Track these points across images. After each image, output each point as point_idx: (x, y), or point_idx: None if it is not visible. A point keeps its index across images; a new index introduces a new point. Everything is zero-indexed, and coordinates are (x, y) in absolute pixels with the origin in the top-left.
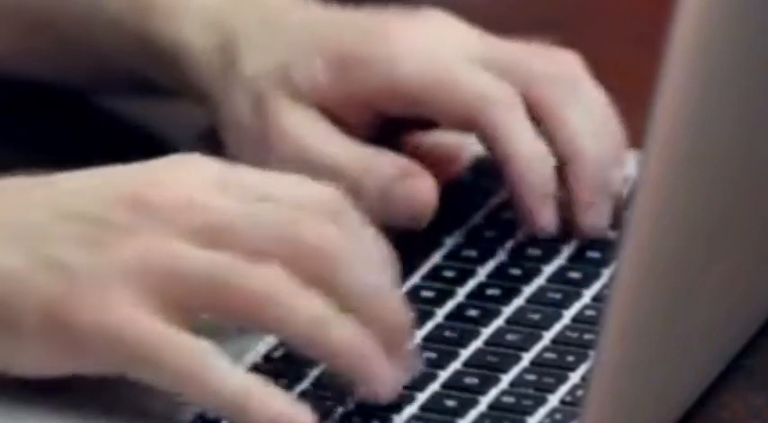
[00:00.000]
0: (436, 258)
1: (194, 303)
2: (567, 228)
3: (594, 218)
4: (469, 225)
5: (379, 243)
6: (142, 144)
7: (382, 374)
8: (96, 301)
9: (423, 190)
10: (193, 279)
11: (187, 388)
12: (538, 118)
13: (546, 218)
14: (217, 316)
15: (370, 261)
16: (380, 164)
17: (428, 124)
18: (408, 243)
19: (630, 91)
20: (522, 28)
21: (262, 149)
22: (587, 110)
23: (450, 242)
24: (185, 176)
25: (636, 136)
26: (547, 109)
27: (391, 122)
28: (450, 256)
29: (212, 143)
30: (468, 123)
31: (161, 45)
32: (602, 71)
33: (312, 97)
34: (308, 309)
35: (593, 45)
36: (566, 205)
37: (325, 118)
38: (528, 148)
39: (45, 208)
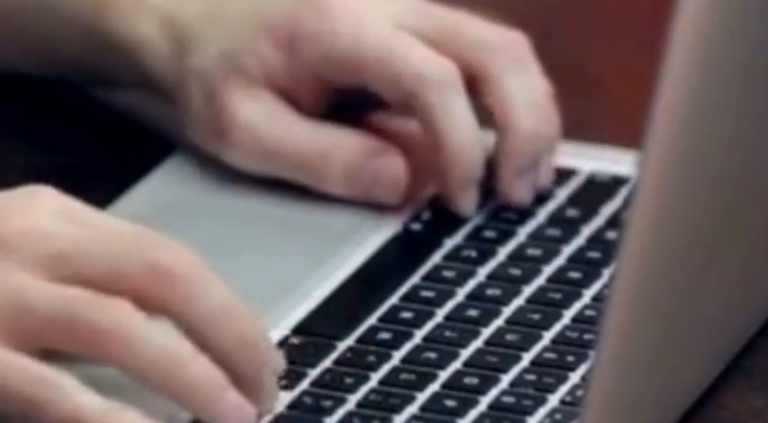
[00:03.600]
0: (436, 258)
1: (42, 336)
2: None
3: (516, 189)
4: (469, 225)
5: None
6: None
7: (230, 412)
8: None
9: (391, 167)
10: (40, 313)
11: (40, 415)
12: (477, 88)
13: (465, 203)
14: (66, 349)
15: (219, 285)
16: (346, 143)
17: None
18: (408, 243)
19: (630, 91)
20: (523, 29)
21: (219, 141)
22: (526, 84)
23: (450, 242)
24: (31, 207)
25: (636, 136)
26: (485, 80)
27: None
28: (450, 256)
29: None
30: (405, 102)
31: (116, 40)
32: (602, 72)
33: (262, 78)
34: (156, 345)
35: (593, 45)
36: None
37: (281, 100)
38: (458, 134)
39: None
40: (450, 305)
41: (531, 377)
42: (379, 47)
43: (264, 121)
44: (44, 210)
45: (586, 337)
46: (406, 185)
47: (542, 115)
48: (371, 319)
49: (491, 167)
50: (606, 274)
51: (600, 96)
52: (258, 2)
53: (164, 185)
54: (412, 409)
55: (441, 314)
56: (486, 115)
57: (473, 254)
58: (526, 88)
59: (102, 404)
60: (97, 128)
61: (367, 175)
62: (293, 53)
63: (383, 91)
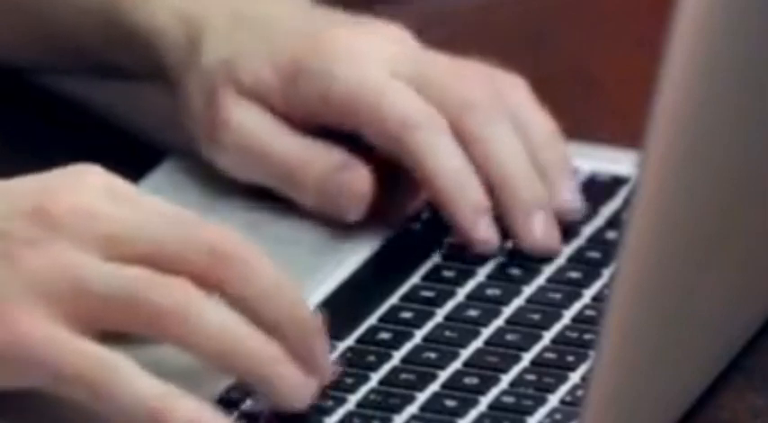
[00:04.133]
0: (436, 258)
1: (103, 317)
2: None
3: (531, 239)
4: None
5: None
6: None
7: (290, 381)
8: (4, 316)
9: (356, 182)
10: (101, 293)
11: (99, 399)
12: (465, 146)
13: (482, 231)
14: (125, 330)
15: (265, 259)
16: (318, 156)
17: None
18: (408, 243)
19: (630, 91)
20: (523, 29)
21: (210, 138)
22: (514, 136)
23: (449, 243)
24: (81, 186)
25: (636, 136)
26: (469, 139)
27: None
28: (449, 256)
29: None
30: (391, 146)
31: (132, 29)
32: (602, 72)
33: (256, 95)
34: (215, 322)
35: (593, 45)
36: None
37: (269, 112)
38: (450, 164)
39: None
40: (450, 305)
41: (531, 377)
42: (369, 92)
43: (254, 129)
44: (93, 189)
45: (586, 337)
46: (366, 202)
47: (543, 152)
48: (371, 319)
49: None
50: (606, 274)
51: (600, 96)
52: (278, 11)
53: (160, 187)
54: (412, 409)
55: (441, 314)
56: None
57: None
58: (513, 140)
59: (162, 388)
60: (93, 131)
61: (332, 189)
62: (291, 86)
63: (371, 136)
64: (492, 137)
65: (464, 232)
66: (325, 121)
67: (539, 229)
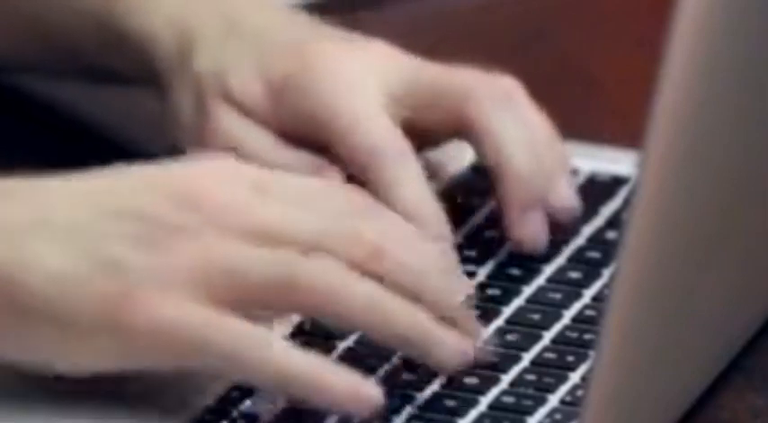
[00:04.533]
0: None
1: (257, 301)
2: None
3: (525, 230)
4: (469, 225)
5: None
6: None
7: (446, 342)
8: (153, 300)
9: None
10: (255, 278)
11: (254, 373)
12: (469, 141)
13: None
14: (281, 310)
15: (418, 247)
16: (296, 161)
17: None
18: None
19: (630, 91)
20: (523, 29)
21: (197, 145)
22: (519, 123)
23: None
24: (227, 177)
25: (636, 136)
26: (475, 126)
27: None
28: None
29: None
30: (361, 173)
31: (126, 32)
32: (602, 72)
33: (245, 107)
34: (367, 297)
35: (593, 45)
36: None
37: (256, 123)
38: (411, 196)
39: (86, 206)
40: None
41: (531, 377)
42: (346, 118)
43: (243, 137)
44: (239, 181)
45: (586, 337)
46: None
47: (542, 150)
48: None
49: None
50: (606, 274)
51: (600, 96)
52: (262, 32)
53: None
54: (412, 409)
55: None
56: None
57: (473, 254)
58: (519, 128)
59: (318, 360)
60: (95, 131)
61: None
62: (277, 100)
63: (344, 159)
64: (495, 126)
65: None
66: (309, 138)
67: (530, 229)
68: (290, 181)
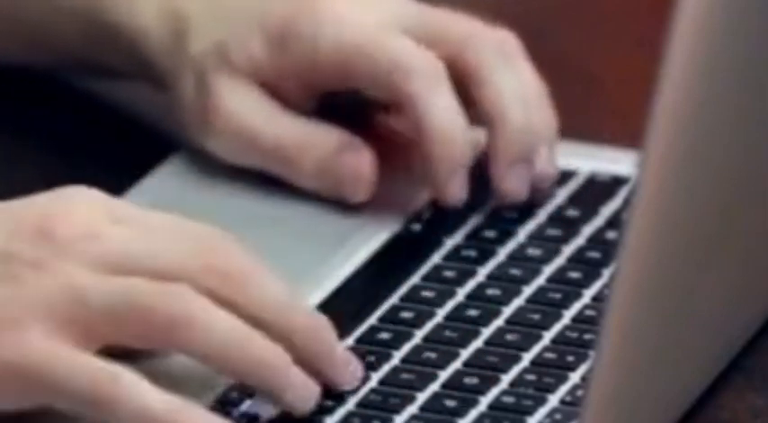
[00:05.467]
0: (436, 258)
1: (107, 332)
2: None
3: (510, 184)
4: (469, 225)
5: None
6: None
7: (296, 386)
8: (10, 337)
9: (359, 164)
10: (104, 306)
11: (106, 413)
12: (465, 83)
13: (452, 191)
14: (132, 341)
15: (274, 278)
16: (319, 138)
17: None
18: (408, 243)
19: (630, 91)
20: (523, 28)
21: (204, 127)
22: (516, 79)
23: (450, 242)
24: (82, 208)
25: (636, 136)
26: (473, 74)
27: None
28: (450, 255)
29: None
30: (388, 93)
31: (115, 28)
32: (602, 72)
33: (250, 74)
34: (221, 326)
35: (593, 45)
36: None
37: (266, 94)
38: (441, 120)
39: None
40: (450, 305)
41: (531, 377)
42: (362, 44)
43: (247, 112)
44: (94, 210)
45: (586, 337)
46: (371, 183)
47: (533, 109)
48: (371, 319)
49: (486, 165)
50: (606, 274)
51: (600, 96)
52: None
53: (163, 185)
54: (412, 409)
55: (441, 314)
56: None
57: (473, 254)
58: (516, 83)
59: (167, 399)
60: (96, 128)
61: (335, 171)
62: (281, 52)
63: (367, 86)
64: (494, 77)
65: (437, 184)
66: (319, 85)
67: (513, 181)
68: (149, 214)
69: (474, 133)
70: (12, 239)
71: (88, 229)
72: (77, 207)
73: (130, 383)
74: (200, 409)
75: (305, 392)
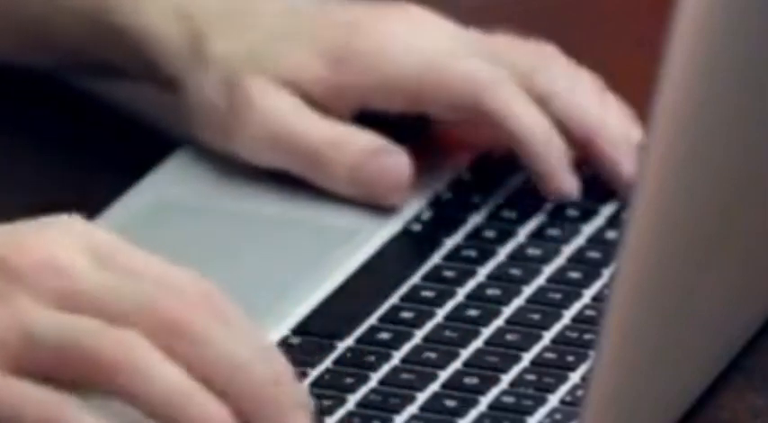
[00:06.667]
0: (436, 258)
1: (51, 367)
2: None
3: (628, 170)
4: (469, 225)
5: (247, 325)
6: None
7: None
8: None
9: (395, 167)
10: (46, 341)
11: None
12: (543, 106)
13: (568, 183)
14: (75, 379)
15: (236, 339)
16: (351, 140)
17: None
18: (408, 243)
19: (630, 91)
20: (523, 29)
21: (232, 128)
22: (587, 90)
23: (450, 242)
24: (52, 240)
25: None
26: (549, 96)
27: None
28: (450, 256)
29: None
30: (468, 110)
31: (124, 32)
32: (602, 72)
33: (296, 84)
34: (165, 378)
35: (594, 46)
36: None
37: (298, 96)
38: (536, 123)
39: None
40: (450, 305)
41: (531, 377)
42: (430, 66)
43: (279, 111)
44: (65, 244)
45: (586, 337)
46: (407, 188)
47: (606, 102)
48: (371, 319)
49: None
50: (606, 274)
51: None
52: (291, 5)
53: (165, 184)
54: (412, 409)
55: (441, 314)
56: None
57: (473, 254)
58: (589, 93)
59: None
60: (98, 126)
61: (370, 175)
62: (338, 70)
63: (439, 108)
64: (569, 92)
65: (551, 184)
66: (378, 105)
67: (629, 166)
68: (131, 253)
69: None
70: None
71: (50, 263)
72: (45, 238)
73: (71, 412)
74: None
75: None
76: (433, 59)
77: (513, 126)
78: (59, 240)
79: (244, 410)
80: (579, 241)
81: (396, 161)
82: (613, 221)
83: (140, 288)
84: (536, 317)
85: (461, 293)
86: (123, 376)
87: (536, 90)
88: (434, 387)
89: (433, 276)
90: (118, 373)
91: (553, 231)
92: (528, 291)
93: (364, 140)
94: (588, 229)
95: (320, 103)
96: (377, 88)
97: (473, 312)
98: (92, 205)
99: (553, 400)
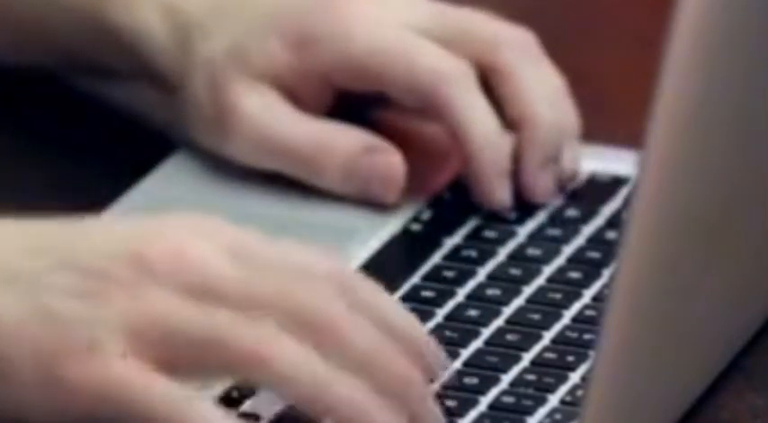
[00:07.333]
0: (436, 258)
1: (188, 360)
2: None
3: (541, 182)
4: (469, 225)
5: (396, 307)
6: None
7: None
8: (88, 355)
9: (390, 165)
10: (188, 335)
11: None
12: (493, 83)
13: (501, 195)
14: (214, 372)
15: (372, 329)
16: (342, 140)
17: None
18: (408, 243)
19: (630, 91)
20: (522, 28)
21: (219, 130)
22: (542, 78)
23: (450, 242)
24: (181, 233)
25: (636, 136)
26: (502, 74)
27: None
28: (449, 256)
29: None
30: (422, 101)
31: (116, 29)
32: (602, 72)
33: (269, 76)
34: (308, 365)
35: (593, 45)
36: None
37: (284, 97)
38: (482, 126)
39: (45, 255)
40: (450, 305)
41: (531, 377)
42: (394, 49)
43: (266, 114)
44: (199, 239)
45: (586, 337)
46: (402, 185)
47: (560, 106)
48: None
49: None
50: (606, 274)
51: (600, 96)
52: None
53: (164, 185)
54: None
55: (441, 314)
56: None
57: (473, 254)
58: (543, 83)
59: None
60: (97, 127)
61: (363, 173)
62: (303, 55)
63: (398, 93)
64: (523, 76)
65: (483, 194)
66: (343, 87)
67: (546, 179)
68: (264, 243)
69: (510, 136)
70: (107, 257)
71: (182, 256)
72: (175, 231)
73: (204, 410)
74: None
75: None
76: (394, 43)
77: (459, 124)
78: (188, 233)
79: (381, 388)
80: (579, 241)
81: (386, 158)
82: (613, 221)
83: (272, 279)
84: (536, 317)
85: (461, 293)
86: (267, 369)
87: (494, 66)
88: (435, 387)
89: (433, 276)
90: (262, 367)
91: (553, 231)
92: (528, 291)
93: (353, 139)
94: (588, 229)
95: (294, 93)
96: (340, 70)
97: (473, 312)
98: (91, 206)
99: (553, 400)
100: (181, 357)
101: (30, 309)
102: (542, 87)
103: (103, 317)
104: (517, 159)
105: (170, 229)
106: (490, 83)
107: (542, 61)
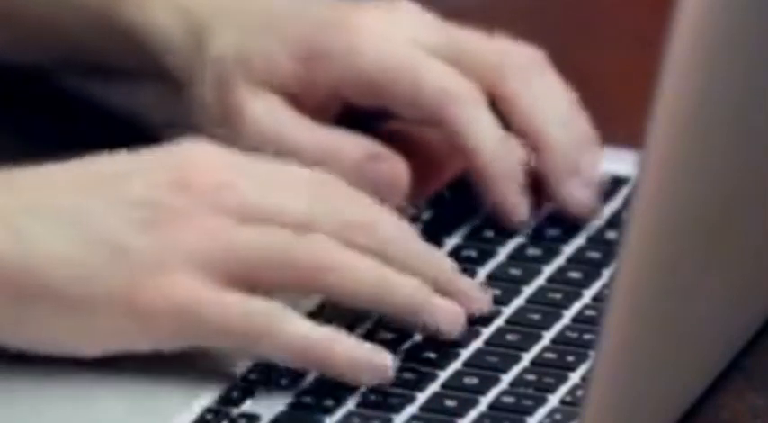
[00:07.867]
0: None
1: (257, 277)
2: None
3: (576, 196)
4: (469, 225)
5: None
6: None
7: (445, 311)
8: (163, 282)
9: (394, 171)
10: (255, 256)
11: (265, 347)
12: (503, 111)
13: (520, 211)
14: (280, 287)
15: (409, 229)
16: (347, 147)
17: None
18: None
19: (630, 91)
20: (522, 28)
21: (225, 130)
22: (552, 98)
23: (450, 242)
24: (210, 158)
25: (636, 136)
26: (511, 102)
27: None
28: (450, 255)
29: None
30: (430, 119)
31: (129, 30)
32: (602, 72)
33: (273, 84)
34: (367, 268)
35: (593, 45)
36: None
37: (288, 104)
38: (491, 141)
39: (93, 193)
40: None
41: (531, 377)
42: (402, 65)
43: (271, 118)
44: (220, 163)
45: (586, 337)
46: (407, 192)
47: (574, 124)
48: (371, 320)
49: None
50: (606, 274)
51: (600, 96)
52: (276, 5)
53: None
54: (412, 409)
55: None
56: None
57: (473, 254)
58: (552, 101)
59: (324, 330)
60: (97, 128)
61: (369, 180)
62: (311, 66)
63: (405, 109)
64: (531, 102)
65: (501, 211)
66: (348, 101)
67: (578, 192)
68: (270, 165)
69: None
70: (151, 188)
71: (222, 179)
72: (207, 157)
73: (283, 315)
74: (353, 338)
75: (454, 316)
76: (403, 60)
77: (467, 139)
78: (216, 158)
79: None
80: (579, 241)
81: (391, 166)
82: (613, 221)
83: (300, 197)
84: (536, 317)
85: None
86: (330, 276)
87: (502, 90)
88: (434, 387)
89: None
90: (325, 275)
91: (553, 231)
92: (528, 291)
93: (358, 146)
94: (588, 230)
95: (299, 102)
96: (344, 82)
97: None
98: None
99: (553, 400)
100: (253, 277)
101: (94, 246)
102: (553, 108)
103: (168, 246)
104: (543, 183)
105: (197, 154)
106: (500, 111)
107: (551, 80)
